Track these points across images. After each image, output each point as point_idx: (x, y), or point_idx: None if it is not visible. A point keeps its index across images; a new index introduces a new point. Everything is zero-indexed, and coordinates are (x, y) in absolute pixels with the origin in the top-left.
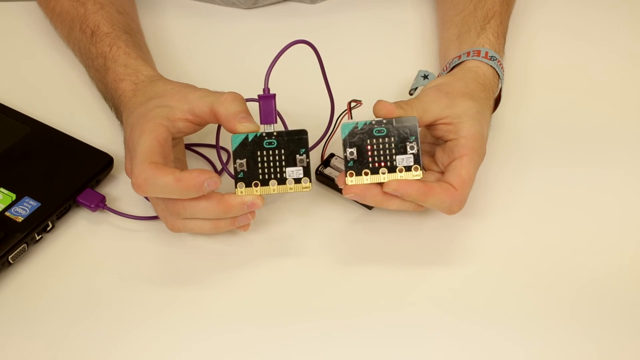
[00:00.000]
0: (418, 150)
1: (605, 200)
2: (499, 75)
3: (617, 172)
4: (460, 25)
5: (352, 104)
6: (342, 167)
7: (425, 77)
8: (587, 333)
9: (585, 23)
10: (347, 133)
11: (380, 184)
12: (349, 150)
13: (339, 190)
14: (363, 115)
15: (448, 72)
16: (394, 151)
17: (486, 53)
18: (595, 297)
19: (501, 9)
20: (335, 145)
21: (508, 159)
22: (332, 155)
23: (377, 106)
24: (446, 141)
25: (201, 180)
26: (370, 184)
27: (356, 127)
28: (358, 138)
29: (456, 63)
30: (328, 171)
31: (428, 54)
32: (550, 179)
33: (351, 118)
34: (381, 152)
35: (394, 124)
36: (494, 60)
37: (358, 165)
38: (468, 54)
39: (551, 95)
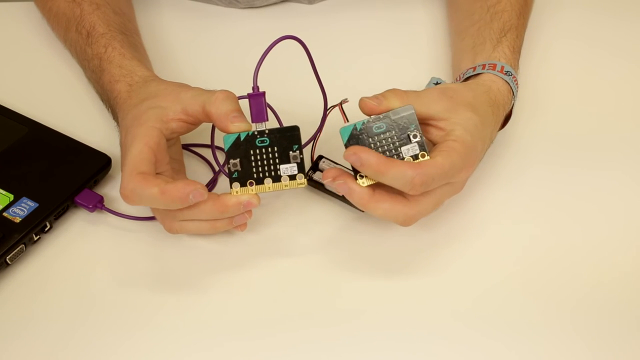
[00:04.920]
0: (421, 137)
1: (619, 209)
2: (512, 92)
3: (631, 183)
4: (475, 36)
5: (343, 104)
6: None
7: (437, 85)
8: (586, 339)
9: (600, 34)
10: (347, 137)
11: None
12: None
13: (331, 194)
14: (361, 116)
15: (461, 82)
16: (397, 144)
17: (502, 67)
18: (599, 304)
19: (518, 23)
20: (325, 147)
21: (518, 173)
22: (320, 157)
23: (360, 105)
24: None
25: (186, 192)
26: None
27: (355, 129)
28: (360, 139)
29: (471, 74)
30: (317, 176)
31: (432, 56)
32: (561, 194)
33: (347, 120)
34: (386, 147)
35: (391, 117)
36: (509, 75)
37: None
38: (483, 66)
39: (563, 109)
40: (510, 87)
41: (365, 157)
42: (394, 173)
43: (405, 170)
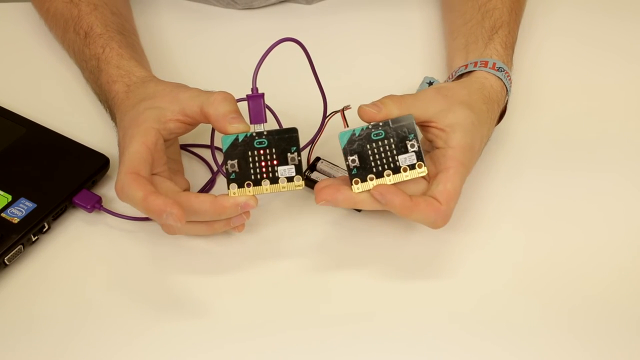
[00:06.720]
0: (419, 147)
1: (617, 205)
2: (506, 88)
3: (627, 184)
4: (467, 35)
5: (345, 110)
6: (330, 171)
7: (431, 84)
8: (585, 342)
9: (594, 31)
10: (345, 141)
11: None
12: (350, 158)
13: None
14: (360, 121)
15: (454, 80)
16: (395, 152)
17: (494, 64)
18: (599, 307)
19: (509, 19)
20: (323, 149)
21: (513, 171)
22: (317, 159)
23: (359, 113)
24: (435, 148)
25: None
26: (339, 187)
27: (354, 134)
28: (357, 145)
29: (462, 72)
30: (315, 175)
31: (429, 57)
32: (555, 191)
33: (347, 125)
34: (382, 154)
35: (391, 125)
36: (501, 71)
37: (362, 172)
38: (475, 64)
39: (558, 106)
40: (504, 83)
41: (390, 198)
42: (417, 216)
43: (428, 213)
